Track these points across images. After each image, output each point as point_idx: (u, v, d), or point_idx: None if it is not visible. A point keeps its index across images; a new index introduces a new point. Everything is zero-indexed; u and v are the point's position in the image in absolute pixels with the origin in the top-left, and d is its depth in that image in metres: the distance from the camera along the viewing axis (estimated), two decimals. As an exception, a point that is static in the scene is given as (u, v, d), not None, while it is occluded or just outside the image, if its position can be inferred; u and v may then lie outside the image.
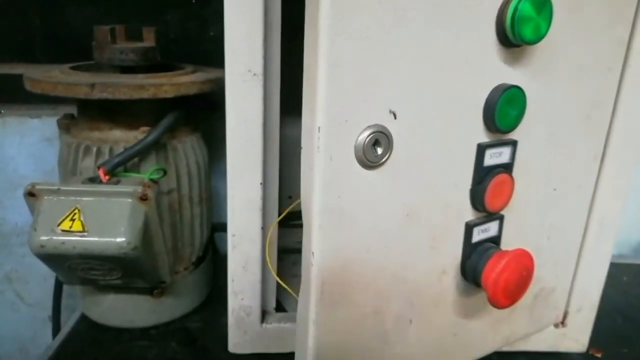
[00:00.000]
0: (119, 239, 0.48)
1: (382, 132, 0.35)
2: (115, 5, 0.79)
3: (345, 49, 0.32)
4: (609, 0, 0.45)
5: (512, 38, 0.38)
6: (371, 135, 0.35)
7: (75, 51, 0.76)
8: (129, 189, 0.50)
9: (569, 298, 0.57)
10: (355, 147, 0.35)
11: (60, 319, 0.79)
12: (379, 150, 0.36)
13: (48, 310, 0.81)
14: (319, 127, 0.33)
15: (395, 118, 0.36)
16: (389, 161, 0.37)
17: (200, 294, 0.68)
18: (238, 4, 0.44)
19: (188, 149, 0.61)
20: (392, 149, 0.36)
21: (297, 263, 0.56)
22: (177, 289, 0.64)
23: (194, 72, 0.62)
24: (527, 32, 0.37)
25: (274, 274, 0.54)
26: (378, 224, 0.38)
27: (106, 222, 0.49)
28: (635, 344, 0.65)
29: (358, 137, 0.35)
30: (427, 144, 0.38)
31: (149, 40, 0.60)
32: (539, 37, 0.38)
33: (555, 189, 0.49)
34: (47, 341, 0.82)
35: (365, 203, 0.37)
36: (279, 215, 0.55)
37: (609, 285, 0.63)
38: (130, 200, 0.50)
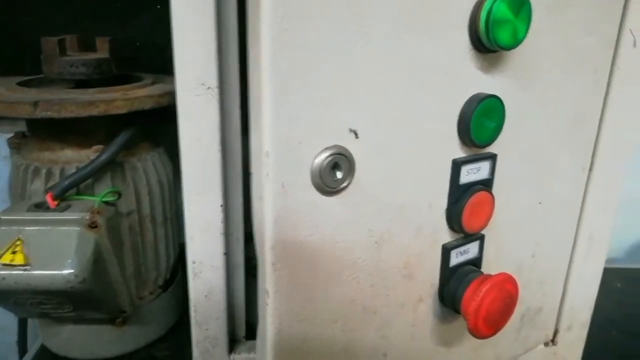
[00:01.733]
0: (65, 272, 0.44)
1: (341, 154, 0.31)
2: (79, 12, 0.75)
3: (293, 63, 0.28)
4: (594, -4, 0.41)
5: (487, 43, 0.34)
6: (329, 158, 0.31)
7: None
8: (77, 216, 0.45)
9: (558, 316, 0.53)
10: (311, 172, 0.31)
11: (27, 343, 0.74)
12: (339, 174, 0.32)
13: (15, 335, 0.76)
14: (266, 152, 0.29)
15: (356, 137, 0.32)
16: (351, 185, 0.33)
17: (169, 320, 0.64)
18: (186, 9, 0.40)
19: (149, 166, 0.57)
20: (354, 172, 0.32)
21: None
22: (142, 315, 0.59)
23: (153, 83, 0.57)
24: (504, 36, 0.33)
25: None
26: (343, 255, 0.34)
27: (51, 254, 0.44)
28: (632, 359, 0.62)
29: (314, 160, 0.31)
30: (394, 164, 0.34)
31: (102, 50, 0.56)
32: (516, 42, 0.34)
33: (540, 203, 0.45)
34: (14, 368, 0.78)
35: (327, 233, 0.33)
36: (246, 236, 0.50)
37: (601, 293, 0.59)
38: (78, 228, 0.45)
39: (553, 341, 0.55)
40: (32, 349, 0.63)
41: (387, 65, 0.32)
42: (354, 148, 0.32)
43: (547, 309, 0.51)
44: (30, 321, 0.72)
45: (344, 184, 0.32)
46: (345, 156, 0.31)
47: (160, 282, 0.62)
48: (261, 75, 0.28)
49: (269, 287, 0.32)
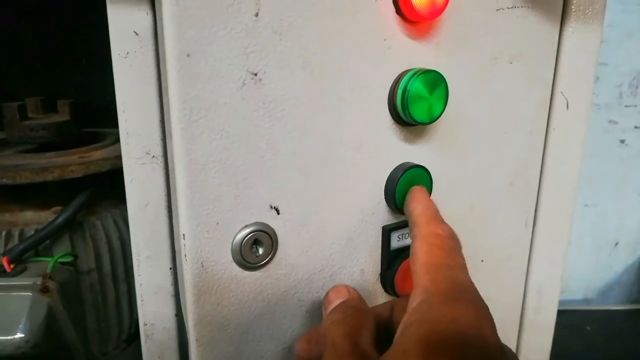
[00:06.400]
0: (16, 337, 0.45)
1: (262, 231, 0.32)
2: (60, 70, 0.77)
3: (207, 150, 0.30)
4: (523, 66, 0.42)
5: (405, 118, 0.35)
6: (249, 235, 0.32)
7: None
8: (28, 281, 0.46)
9: (514, 369, 0.53)
10: (232, 249, 0.32)
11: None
12: (261, 250, 0.33)
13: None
14: (183, 235, 0.30)
15: (278, 213, 0.33)
16: (275, 259, 0.34)
17: (134, 374, 0.64)
18: (131, 82, 0.42)
19: (109, 224, 0.58)
20: (277, 247, 0.33)
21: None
22: (106, 371, 0.60)
23: (114, 142, 0.59)
24: (420, 112, 0.35)
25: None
26: (272, 328, 0.35)
27: (3, 319, 0.45)
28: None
29: (234, 238, 0.32)
30: (320, 235, 0.35)
31: (63, 113, 0.58)
32: (432, 118, 0.35)
33: (482, 261, 0.46)
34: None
35: (254, 307, 0.34)
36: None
37: (569, 338, 0.59)
38: (30, 293, 0.46)
39: (511, 393, 0.55)
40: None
41: (305, 143, 0.33)
42: (276, 224, 0.33)
43: (500, 363, 0.52)
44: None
45: (267, 259, 0.33)
46: (266, 232, 0.33)
47: (124, 337, 0.62)
48: (175, 163, 0.29)
49: (194, 363, 0.33)
